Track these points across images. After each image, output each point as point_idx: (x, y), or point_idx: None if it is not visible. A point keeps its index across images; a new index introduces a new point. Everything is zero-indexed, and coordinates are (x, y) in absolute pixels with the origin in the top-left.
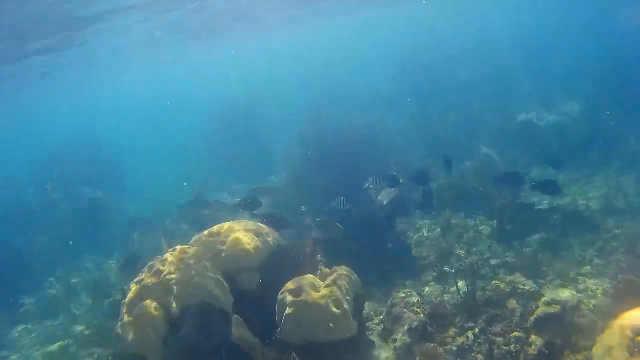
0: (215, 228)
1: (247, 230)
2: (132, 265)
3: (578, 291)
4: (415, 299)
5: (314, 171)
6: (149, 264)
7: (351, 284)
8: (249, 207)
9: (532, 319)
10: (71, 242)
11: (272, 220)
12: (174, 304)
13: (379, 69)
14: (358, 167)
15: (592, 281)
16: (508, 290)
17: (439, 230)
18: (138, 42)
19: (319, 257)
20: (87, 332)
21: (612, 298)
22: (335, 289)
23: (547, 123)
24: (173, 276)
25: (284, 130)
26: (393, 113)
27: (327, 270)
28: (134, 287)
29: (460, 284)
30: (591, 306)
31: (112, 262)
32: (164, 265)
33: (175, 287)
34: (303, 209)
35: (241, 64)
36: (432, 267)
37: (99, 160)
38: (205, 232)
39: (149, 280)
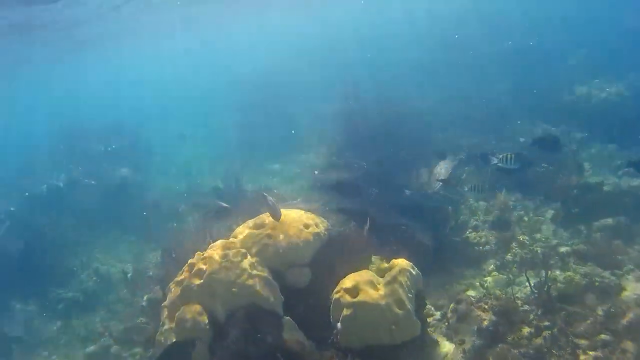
0: (260, 218)
1: (295, 221)
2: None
3: None
4: (481, 294)
5: (353, 149)
6: (188, 262)
7: (412, 279)
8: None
9: (624, 321)
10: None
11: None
12: (219, 308)
13: (418, 39)
14: (400, 144)
15: None
16: (584, 282)
17: (497, 212)
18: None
19: (374, 247)
20: (127, 331)
21: None
22: (396, 286)
23: (603, 97)
24: (216, 276)
25: (315, 106)
26: (434, 87)
27: (384, 263)
28: (173, 289)
29: (528, 274)
30: None
31: (151, 253)
32: (205, 264)
33: (219, 288)
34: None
35: (268, 36)
36: (494, 255)
37: (129, 139)
38: (250, 223)
39: (191, 281)
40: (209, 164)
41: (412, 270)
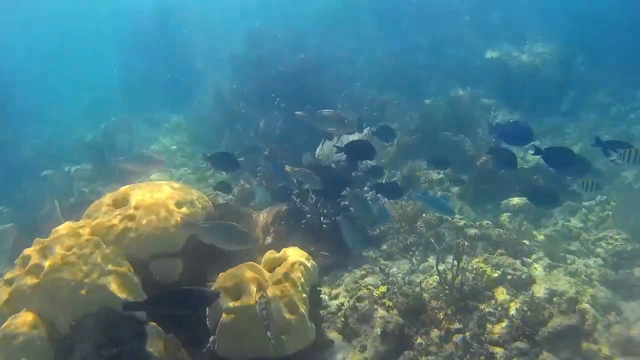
0: (122, 192)
1: (166, 196)
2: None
3: (569, 274)
4: (382, 281)
5: (249, 98)
6: (22, 254)
7: (307, 274)
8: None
9: (545, 330)
10: None
11: None
12: (62, 316)
13: None
14: (304, 100)
15: (582, 261)
16: (495, 275)
17: (400, 184)
18: None
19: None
20: None
21: (610, 286)
22: (287, 285)
23: (519, 63)
24: (59, 274)
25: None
26: (338, 36)
27: (274, 253)
28: (2, 289)
29: (432, 259)
30: (588, 296)
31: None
32: (45, 256)
33: (62, 290)
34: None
35: None
36: (396, 234)
37: None
38: (107, 199)
39: (23, 281)
40: (83, 112)
41: (307, 262)
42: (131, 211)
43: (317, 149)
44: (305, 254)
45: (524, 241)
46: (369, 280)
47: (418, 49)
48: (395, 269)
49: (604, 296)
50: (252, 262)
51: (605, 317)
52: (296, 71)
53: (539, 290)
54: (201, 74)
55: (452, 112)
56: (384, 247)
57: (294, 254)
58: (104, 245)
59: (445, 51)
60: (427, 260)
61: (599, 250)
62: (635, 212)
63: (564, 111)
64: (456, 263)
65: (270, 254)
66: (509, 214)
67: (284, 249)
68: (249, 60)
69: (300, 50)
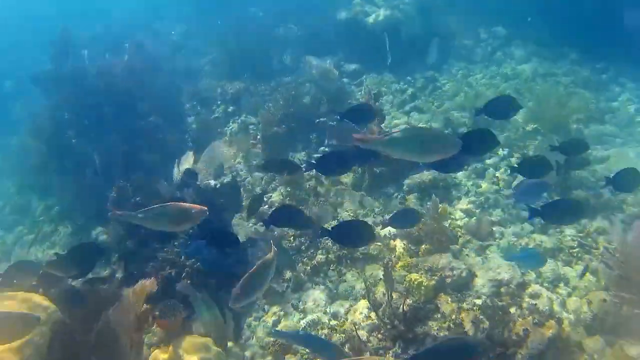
0: None
1: None
2: None
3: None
4: (299, 323)
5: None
6: None
7: None
8: None
9: (527, 353)
10: None
11: None
12: None
13: None
14: (145, 110)
15: (510, 230)
16: (433, 283)
17: (286, 188)
18: None
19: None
20: None
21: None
22: None
23: (377, 20)
24: None
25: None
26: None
27: (162, 353)
28: None
29: (350, 276)
30: (533, 274)
31: None
32: None
33: None
34: None
35: None
36: (299, 251)
37: None
38: None
39: None
40: None
41: (209, 355)
42: None
43: (175, 170)
44: (204, 340)
45: (444, 224)
46: (286, 325)
47: (256, 22)
48: (311, 303)
49: (548, 268)
50: None
51: (556, 292)
52: (125, 75)
53: (484, 285)
54: (11, 103)
55: (320, 90)
56: (287, 274)
57: (189, 348)
58: None
59: (290, 19)
60: (344, 280)
61: (523, 213)
62: None
63: (433, 62)
64: (389, 287)
65: (158, 356)
66: (416, 194)
67: (172, 344)
68: (62, 76)
69: (122, 50)
